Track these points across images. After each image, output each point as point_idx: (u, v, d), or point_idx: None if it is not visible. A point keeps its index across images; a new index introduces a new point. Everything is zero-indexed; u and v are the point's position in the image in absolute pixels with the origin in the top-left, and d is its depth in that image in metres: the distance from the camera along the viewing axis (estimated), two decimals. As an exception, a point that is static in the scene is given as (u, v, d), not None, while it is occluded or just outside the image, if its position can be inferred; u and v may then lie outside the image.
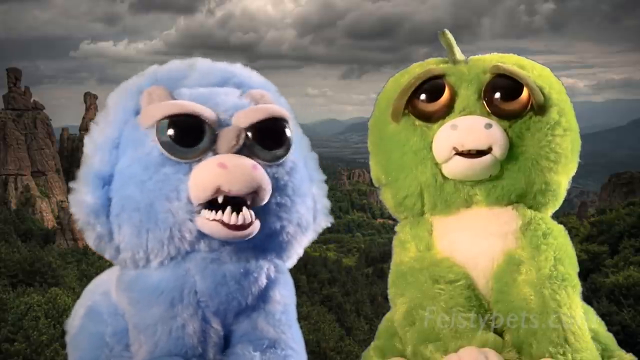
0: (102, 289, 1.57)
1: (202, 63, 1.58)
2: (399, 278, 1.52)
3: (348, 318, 36.74)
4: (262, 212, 1.39)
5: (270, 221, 1.44)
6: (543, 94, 1.47)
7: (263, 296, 1.49)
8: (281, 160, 1.45)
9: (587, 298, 1.52)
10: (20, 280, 31.43)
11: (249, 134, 1.40)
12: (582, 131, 1.59)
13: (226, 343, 1.46)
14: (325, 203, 1.65)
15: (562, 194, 1.56)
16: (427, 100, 1.50)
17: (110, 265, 1.59)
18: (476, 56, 1.62)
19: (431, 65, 1.59)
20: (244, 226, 1.33)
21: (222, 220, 1.32)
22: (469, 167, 1.43)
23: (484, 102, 1.47)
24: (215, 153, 1.37)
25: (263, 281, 1.47)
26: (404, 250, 1.54)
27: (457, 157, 1.43)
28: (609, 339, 1.52)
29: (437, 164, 1.47)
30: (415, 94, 1.50)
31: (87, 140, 1.48)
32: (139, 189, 1.36)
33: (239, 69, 1.62)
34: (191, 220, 1.35)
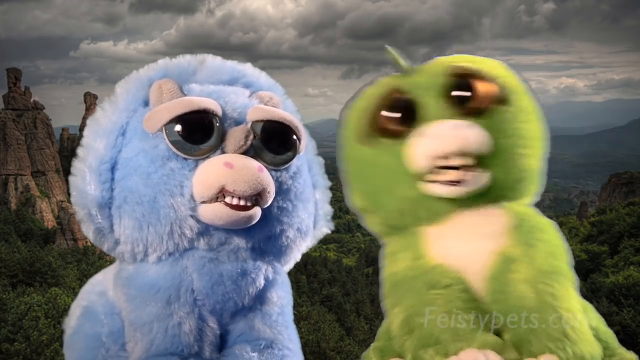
0: (98, 289, 1.57)
1: (212, 60, 1.58)
2: (393, 288, 1.50)
3: (348, 318, 36.73)
4: (263, 215, 1.39)
5: (271, 224, 1.44)
6: (500, 84, 1.47)
7: (260, 297, 1.48)
8: (287, 165, 1.45)
9: (587, 298, 1.51)
10: (20, 280, 31.47)
11: (257, 136, 1.40)
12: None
13: (222, 342, 1.46)
14: (327, 209, 1.64)
15: (539, 177, 1.56)
16: (391, 119, 1.48)
17: (110, 264, 1.59)
18: (426, 64, 1.61)
19: (384, 84, 1.57)
20: (246, 207, 1.33)
21: (225, 201, 1.32)
22: (450, 192, 1.42)
23: (447, 105, 1.45)
24: (223, 152, 1.36)
25: (261, 282, 1.47)
26: (395, 261, 1.52)
27: (436, 184, 1.41)
28: (610, 336, 1.51)
29: (413, 177, 1.45)
30: (377, 114, 1.48)
31: (90, 124, 1.45)
32: (143, 181, 1.35)
33: (248, 69, 1.62)
34: (192, 217, 1.35)
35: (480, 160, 1.43)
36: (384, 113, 1.49)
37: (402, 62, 1.58)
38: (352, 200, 1.63)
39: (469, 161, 1.39)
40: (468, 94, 1.45)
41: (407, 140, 1.45)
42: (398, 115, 1.48)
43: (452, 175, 1.39)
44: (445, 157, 1.39)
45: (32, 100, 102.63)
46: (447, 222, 1.50)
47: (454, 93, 1.45)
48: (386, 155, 1.49)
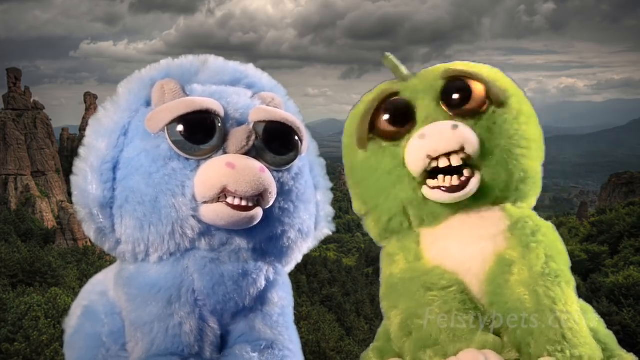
0: (99, 289, 1.57)
1: (215, 61, 1.58)
2: (390, 290, 1.51)
3: (348, 318, 36.72)
4: (264, 216, 1.39)
5: (272, 225, 1.44)
6: (496, 86, 1.49)
7: (261, 298, 1.49)
8: (288, 166, 1.45)
9: (587, 298, 1.51)
10: (20, 280, 31.47)
11: (259, 137, 1.40)
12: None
13: (223, 342, 1.47)
14: (328, 210, 1.64)
15: (540, 180, 1.57)
16: (389, 121, 1.50)
17: (110, 264, 1.59)
18: (423, 69, 1.63)
19: (382, 88, 1.59)
20: (248, 207, 1.33)
21: (226, 202, 1.32)
22: (452, 199, 1.43)
23: (444, 107, 1.47)
24: (225, 152, 1.37)
25: (262, 283, 1.47)
26: (393, 263, 1.53)
27: (438, 191, 1.42)
28: (609, 337, 1.50)
29: (414, 179, 1.47)
30: (376, 117, 1.51)
31: (93, 124, 1.45)
32: (145, 181, 1.35)
33: (250, 70, 1.62)
34: (194, 217, 1.35)
35: (480, 162, 1.43)
36: (383, 116, 1.50)
37: (401, 68, 1.60)
38: (354, 203, 1.64)
39: (464, 159, 1.40)
40: (464, 96, 1.46)
41: (405, 141, 1.47)
42: (394, 117, 1.50)
43: (453, 180, 1.40)
44: (442, 156, 1.40)
45: (32, 100, 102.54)
46: (446, 223, 1.50)
47: (453, 97, 1.46)
48: (385, 158, 1.50)
